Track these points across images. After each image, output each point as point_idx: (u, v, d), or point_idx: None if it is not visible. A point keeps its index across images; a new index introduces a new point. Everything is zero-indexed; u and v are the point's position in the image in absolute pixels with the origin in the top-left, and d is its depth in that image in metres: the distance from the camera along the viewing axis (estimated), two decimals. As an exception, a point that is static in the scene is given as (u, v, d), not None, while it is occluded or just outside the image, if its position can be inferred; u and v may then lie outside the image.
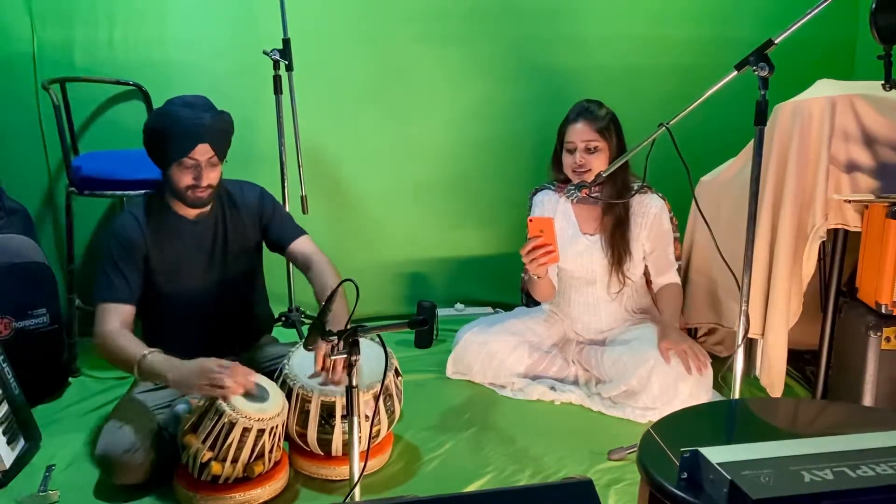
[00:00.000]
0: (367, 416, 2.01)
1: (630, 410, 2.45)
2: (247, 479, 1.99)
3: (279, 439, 2.02)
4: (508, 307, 3.24)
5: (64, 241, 2.95)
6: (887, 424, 1.45)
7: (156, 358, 1.98)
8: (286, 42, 2.80)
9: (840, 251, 2.36)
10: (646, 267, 2.68)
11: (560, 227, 2.55)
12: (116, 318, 2.09)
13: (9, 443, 2.13)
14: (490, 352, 2.67)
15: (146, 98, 3.05)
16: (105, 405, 2.52)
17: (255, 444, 1.94)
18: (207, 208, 2.25)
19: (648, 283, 2.73)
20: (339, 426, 2.06)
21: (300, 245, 2.34)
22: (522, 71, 3.36)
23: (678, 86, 3.37)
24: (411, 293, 3.45)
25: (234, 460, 1.93)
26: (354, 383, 1.66)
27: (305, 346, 1.90)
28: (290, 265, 3.03)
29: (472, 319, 2.88)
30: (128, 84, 3.04)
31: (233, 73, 3.09)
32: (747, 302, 2.01)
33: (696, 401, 2.33)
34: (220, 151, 2.18)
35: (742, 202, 2.09)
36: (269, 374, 2.14)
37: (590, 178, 2.47)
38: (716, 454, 1.24)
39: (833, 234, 2.36)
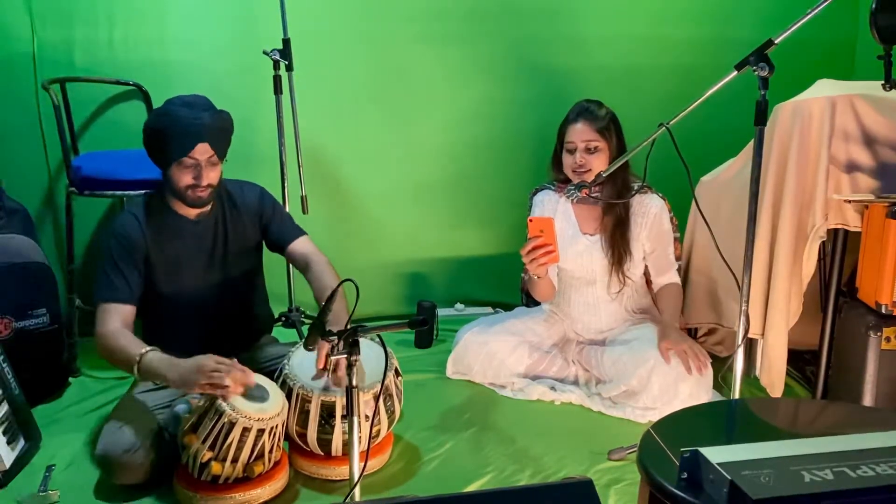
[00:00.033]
0: (367, 416, 2.01)
1: (630, 410, 2.45)
2: (247, 479, 1.99)
3: (279, 439, 2.02)
4: (508, 307, 3.24)
5: (64, 241, 2.95)
6: (887, 424, 1.45)
7: (154, 357, 1.98)
8: (286, 42, 2.80)
9: (840, 251, 2.36)
10: (646, 267, 2.68)
11: (560, 227, 2.55)
12: (117, 319, 2.09)
13: (9, 443, 2.13)
14: (490, 352, 2.67)
15: (146, 98, 3.05)
16: (105, 405, 2.52)
17: (254, 444, 1.94)
18: (208, 208, 2.26)
19: (648, 283, 2.73)
20: (339, 426, 2.06)
21: (299, 245, 2.34)
22: (522, 71, 3.36)
23: (678, 86, 3.37)
24: (411, 293, 3.45)
25: (234, 460, 1.93)
26: (354, 383, 1.66)
27: (305, 346, 1.90)
28: (290, 265, 3.03)
29: (472, 319, 2.88)
30: (128, 84, 3.04)
31: (233, 73, 3.09)
32: (747, 302, 2.01)
33: (696, 401, 2.33)
34: (220, 151, 2.18)
35: (742, 202, 2.09)
36: (269, 374, 2.14)
37: (590, 178, 2.48)
38: (716, 454, 1.24)
39: (833, 234, 2.36)
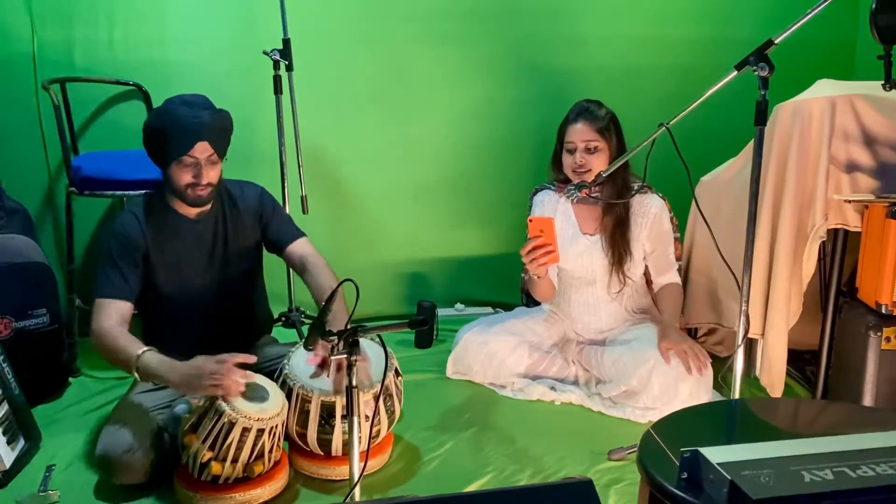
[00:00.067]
0: (367, 417, 2.01)
1: (630, 410, 2.45)
2: (247, 479, 1.99)
3: (279, 439, 2.02)
4: (508, 307, 3.24)
5: (64, 241, 2.95)
6: (887, 424, 1.45)
7: (153, 357, 1.98)
8: (286, 42, 2.80)
9: (840, 251, 2.36)
10: (646, 267, 2.68)
11: (560, 227, 2.55)
12: (113, 315, 2.09)
13: (9, 443, 2.13)
14: (490, 352, 2.67)
15: (146, 98, 3.05)
16: (105, 405, 2.52)
17: (254, 444, 1.94)
18: (208, 207, 2.26)
19: (648, 283, 2.73)
20: (339, 426, 2.06)
21: (298, 246, 2.34)
22: (522, 71, 3.36)
23: (678, 86, 3.37)
24: (411, 293, 3.45)
25: (234, 460, 1.93)
26: (354, 383, 1.66)
27: (305, 346, 1.90)
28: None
29: (472, 319, 2.88)
30: (128, 84, 3.04)
31: (233, 73, 3.09)
32: (747, 302, 2.01)
33: (696, 401, 2.33)
34: (220, 149, 2.18)
35: (742, 202, 2.09)
36: (269, 374, 2.14)
37: (590, 178, 2.48)
38: (716, 454, 1.24)
39: (833, 234, 2.36)
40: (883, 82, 1.91)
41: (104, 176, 2.75)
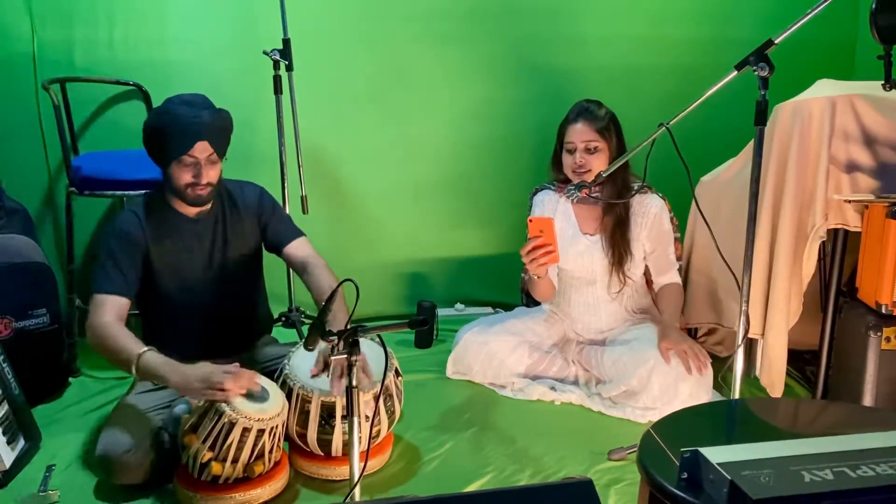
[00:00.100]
0: (367, 417, 2.01)
1: (630, 410, 2.45)
2: (247, 480, 1.99)
3: (279, 439, 2.02)
4: (508, 307, 3.24)
5: (64, 241, 2.95)
6: (887, 424, 1.45)
7: (155, 358, 1.97)
8: (286, 42, 2.80)
9: (840, 251, 2.36)
10: (646, 267, 2.68)
11: (560, 227, 2.55)
12: (111, 310, 2.08)
13: (9, 443, 2.13)
14: (490, 352, 2.67)
15: (146, 98, 3.05)
16: (105, 405, 2.52)
17: (255, 445, 1.94)
18: (208, 207, 2.26)
19: (649, 283, 2.73)
20: (339, 426, 2.06)
21: (297, 247, 2.34)
22: (522, 71, 3.36)
23: (678, 86, 3.37)
24: (411, 293, 3.45)
25: (234, 460, 1.93)
26: (354, 383, 1.66)
27: (305, 347, 1.90)
28: (290, 266, 3.03)
29: (472, 319, 2.88)
30: (128, 84, 3.04)
31: (233, 73, 3.09)
32: (747, 302, 2.01)
33: (696, 401, 2.33)
34: (220, 149, 2.18)
35: (742, 202, 2.09)
36: (269, 374, 2.14)
37: (590, 178, 2.48)
38: (716, 454, 1.24)
39: (833, 234, 2.36)
40: (883, 82, 1.91)
41: (104, 176, 2.76)
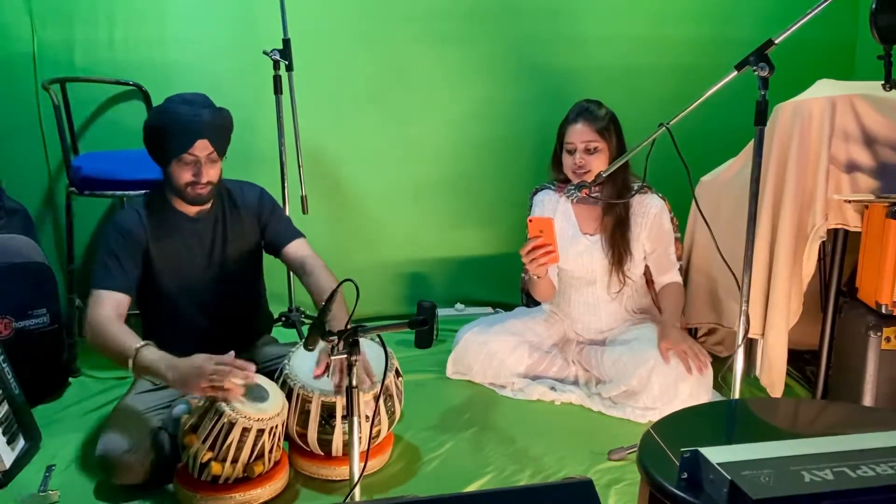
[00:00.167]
0: (367, 417, 2.01)
1: (630, 410, 2.45)
2: (247, 479, 1.99)
3: (279, 439, 2.02)
4: (508, 307, 3.24)
5: (64, 241, 2.96)
6: (887, 424, 1.45)
7: (152, 354, 1.96)
8: (286, 42, 2.80)
9: (840, 251, 2.36)
10: (646, 266, 2.68)
11: (560, 227, 2.55)
12: (109, 306, 2.08)
13: (9, 443, 2.13)
14: (490, 352, 2.67)
15: (146, 98, 3.05)
16: (105, 405, 2.52)
17: (254, 444, 1.94)
18: (207, 206, 2.26)
19: (649, 282, 2.73)
20: (339, 426, 2.06)
21: (296, 247, 2.34)
22: (522, 71, 3.36)
23: (678, 86, 3.37)
24: (411, 293, 3.45)
25: (234, 460, 1.93)
26: (354, 383, 1.66)
27: (305, 346, 1.90)
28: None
29: (472, 319, 2.88)
30: (128, 84, 3.04)
31: (233, 73, 3.10)
32: (747, 302, 2.01)
33: (696, 401, 2.33)
34: (220, 148, 2.18)
35: (742, 202, 2.09)
36: (269, 374, 2.14)
37: (590, 178, 2.48)
38: (716, 454, 1.24)
39: (833, 234, 2.36)
40: (883, 82, 1.91)
41: (104, 176, 2.76)
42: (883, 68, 1.90)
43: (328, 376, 2.06)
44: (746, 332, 2.01)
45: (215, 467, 1.92)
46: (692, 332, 2.90)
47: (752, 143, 2.02)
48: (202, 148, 2.13)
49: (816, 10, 1.92)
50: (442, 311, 3.26)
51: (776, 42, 1.93)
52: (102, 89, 3.06)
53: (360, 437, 1.75)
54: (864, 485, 1.18)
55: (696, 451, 1.26)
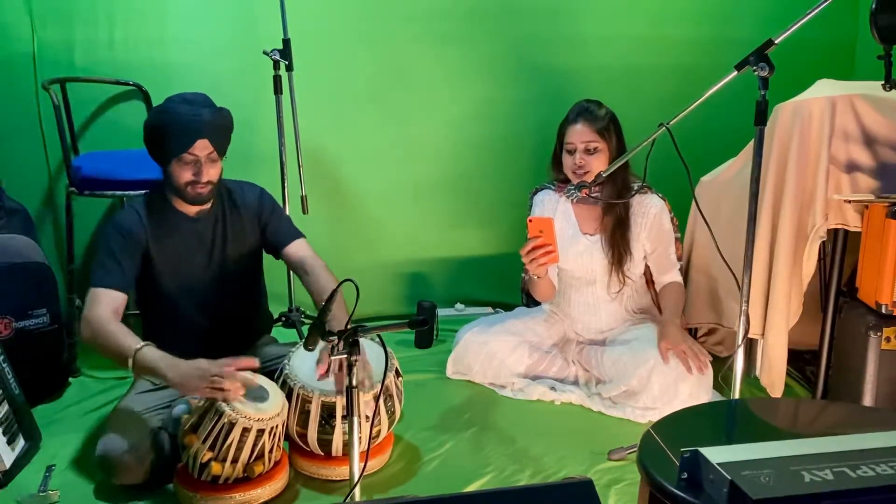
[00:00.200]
0: (367, 417, 2.01)
1: (630, 410, 2.45)
2: (247, 479, 1.99)
3: (279, 439, 2.02)
4: (508, 307, 3.24)
5: (64, 241, 2.96)
6: (887, 424, 1.45)
7: (153, 354, 1.97)
8: (286, 42, 2.80)
9: (840, 251, 2.36)
10: (646, 266, 2.68)
11: (560, 227, 2.55)
12: (107, 305, 2.08)
13: (9, 443, 2.13)
14: (490, 352, 2.67)
15: (146, 98, 3.05)
16: (105, 405, 2.52)
17: (254, 445, 1.94)
18: (208, 206, 2.26)
19: (649, 282, 2.73)
20: (339, 426, 2.06)
21: (296, 248, 2.34)
22: (522, 71, 3.36)
23: (678, 86, 3.37)
24: (411, 293, 3.45)
25: (234, 460, 1.93)
26: (354, 383, 1.66)
27: (305, 346, 1.90)
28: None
29: (472, 319, 2.88)
30: (128, 84, 3.04)
31: (233, 73, 3.10)
32: (747, 302, 2.01)
33: (696, 401, 2.33)
34: (220, 147, 2.18)
35: (742, 202, 2.09)
36: (269, 375, 2.14)
37: (589, 178, 2.48)
38: (716, 454, 1.24)
39: (833, 234, 2.36)
40: (883, 82, 1.91)
41: (104, 176, 2.76)
42: (883, 68, 1.90)
43: (330, 376, 2.06)
44: (746, 332, 2.01)
45: (215, 467, 1.92)
46: (692, 332, 2.90)
47: (752, 143, 2.02)
48: (202, 147, 2.13)
49: (816, 10, 1.92)
50: (442, 311, 3.26)
51: (776, 42, 1.93)
52: (102, 89, 3.06)
53: (360, 437, 1.75)
54: (864, 485, 1.18)
55: (696, 451, 1.26)
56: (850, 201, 2.29)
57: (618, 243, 2.58)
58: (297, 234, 2.37)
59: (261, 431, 1.93)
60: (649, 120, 2.32)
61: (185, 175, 2.15)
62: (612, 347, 2.61)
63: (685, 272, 2.82)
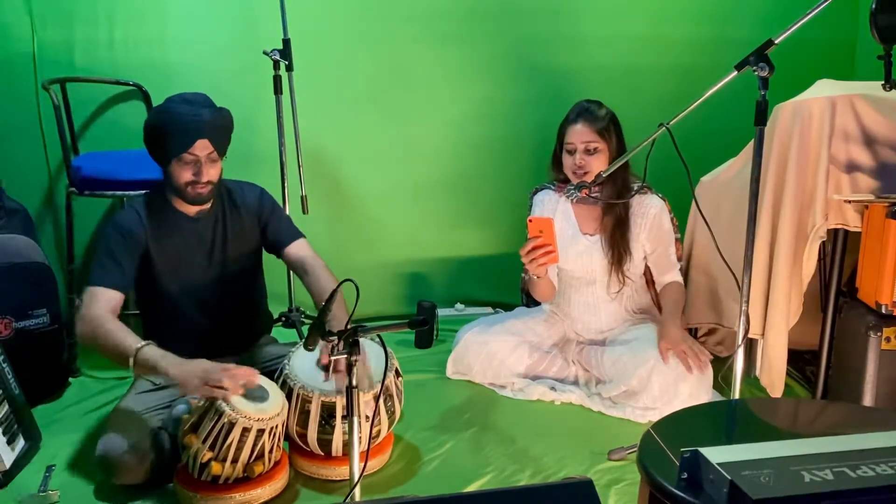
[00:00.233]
0: (367, 417, 2.01)
1: (630, 410, 2.45)
2: (247, 479, 1.99)
3: (279, 439, 2.02)
4: (508, 307, 3.24)
5: (64, 241, 2.96)
6: (887, 424, 1.45)
7: (154, 352, 1.97)
8: (286, 42, 2.80)
9: (840, 251, 2.36)
10: (647, 266, 2.68)
11: (560, 227, 2.55)
12: (104, 303, 2.08)
13: (9, 443, 2.13)
14: (490, 352, 2.67)
15: (146, 98, 3.05)
16: (105, 405, 2.52)
17: (254, 444, 1.94)
18: (208, 206, 2.26)
19: (649, 282, 2.73)
20: (339, 426, 2.06)
21: (296, 248, 2.34)
22: (522, 71, 3.36)
23: (678, 86, 3.37)
24: (411, 293, 3.45)
25: (234, 460, 1.93)
26: (354, 383, 1.66)
27: (305, 347, 1.90)
28: (290, 266, 3.03)
29: (472, 319, 2.88)
30: (128, 84, 3.04)
31: (233, 73, 3.09)
32: (747, 302, 2.01)
33: (696, 401, 2.33)
34: (220, 147, 2.18)
35: (742, 202, 2.09)
36: (269, 375, 2.14)
37: (589, 178, 2.48)
38: (716, 454, 1.24)
39: (833, 234, 2.36)
40: (883, 82, 1.91)
41: (104, 176, 2.76)
42: (883, 68, 1.90)
43: (331, 375, 2.06)
44: (746, 332, 2.01)
45: (215, 467, 1.92)
46: (692, 332, 2.90)
47: (752, 143, 2.02)
48: (202, 147, 2.13)
49: (816, 10, 1.91)
50: (442, 311, 3.26)
51: (776, 42, 1.93)
52: (102, 89, 3.06)
53: (360, 437, 1.75)
54: (864, 485, 1.18)
55: (696, 451, 1.26)
56: (850, 201, 2.29)
57: (618, 243, 2.58)
58: (298, 234, 2.37)
59: (261, 431, 1.93)
60: (649, 120, 2.32)
61: (185, 175, 2.15)
62: (612, 347, 2.61)
63: (685, 272, 2.82)
